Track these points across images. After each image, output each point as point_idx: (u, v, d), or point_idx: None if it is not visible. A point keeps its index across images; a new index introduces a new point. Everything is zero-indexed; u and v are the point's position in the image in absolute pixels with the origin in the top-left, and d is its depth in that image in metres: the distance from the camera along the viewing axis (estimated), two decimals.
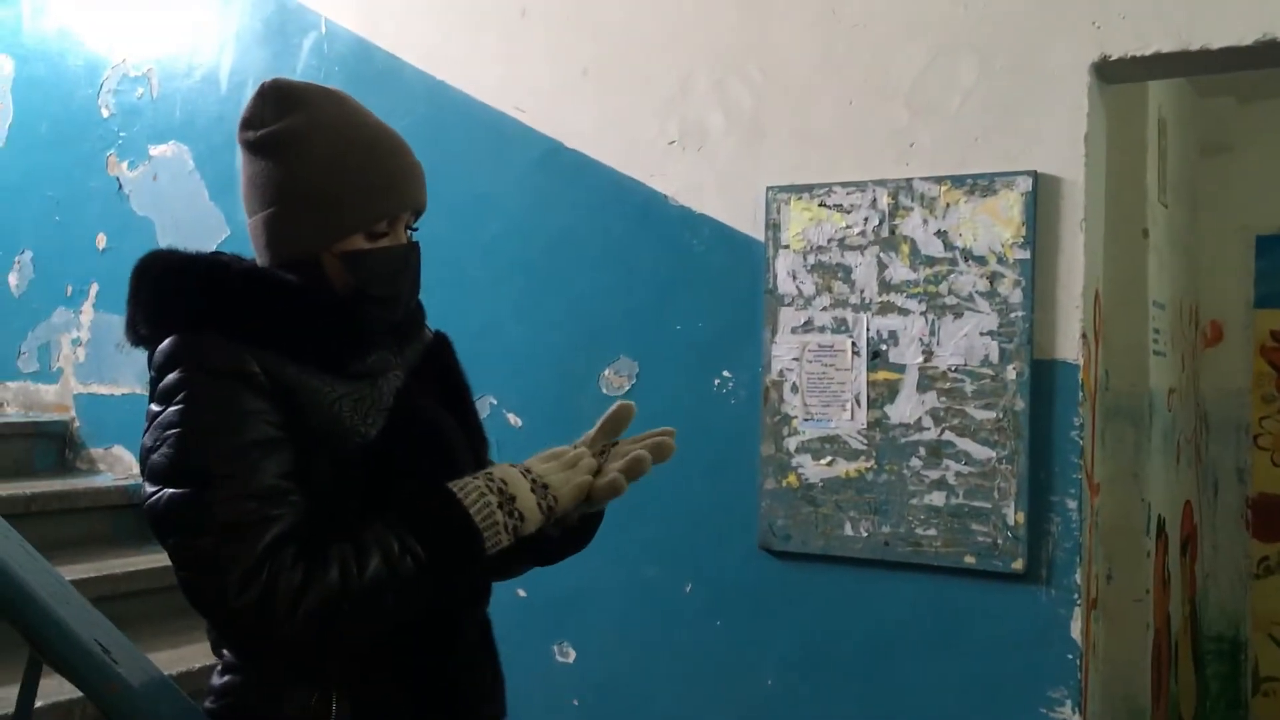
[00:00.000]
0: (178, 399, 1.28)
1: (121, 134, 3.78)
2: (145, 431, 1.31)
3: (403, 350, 1.50)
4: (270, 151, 1.41)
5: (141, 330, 1.38)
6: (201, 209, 3.59)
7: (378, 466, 1.35)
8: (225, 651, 1.40)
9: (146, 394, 1.35)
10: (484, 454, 1.56)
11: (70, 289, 3.82)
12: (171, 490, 1.25)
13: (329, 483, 1.32)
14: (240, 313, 1.33)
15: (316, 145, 1.39)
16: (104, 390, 3.73)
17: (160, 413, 1.29)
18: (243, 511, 1.23)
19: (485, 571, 1.42)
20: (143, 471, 1.30)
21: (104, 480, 3.62)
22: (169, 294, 1.36)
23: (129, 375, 3.67)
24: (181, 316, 1.34)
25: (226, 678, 1.39)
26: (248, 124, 1.44)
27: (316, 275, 1.40)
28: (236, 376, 1.29)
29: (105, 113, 3.81)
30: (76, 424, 3.78)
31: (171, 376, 1.29)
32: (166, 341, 1.32)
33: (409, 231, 1.47)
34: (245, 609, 1.20)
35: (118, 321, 3.68)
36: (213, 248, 1.52)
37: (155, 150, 3.71)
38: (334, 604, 1.23)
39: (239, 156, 1.47)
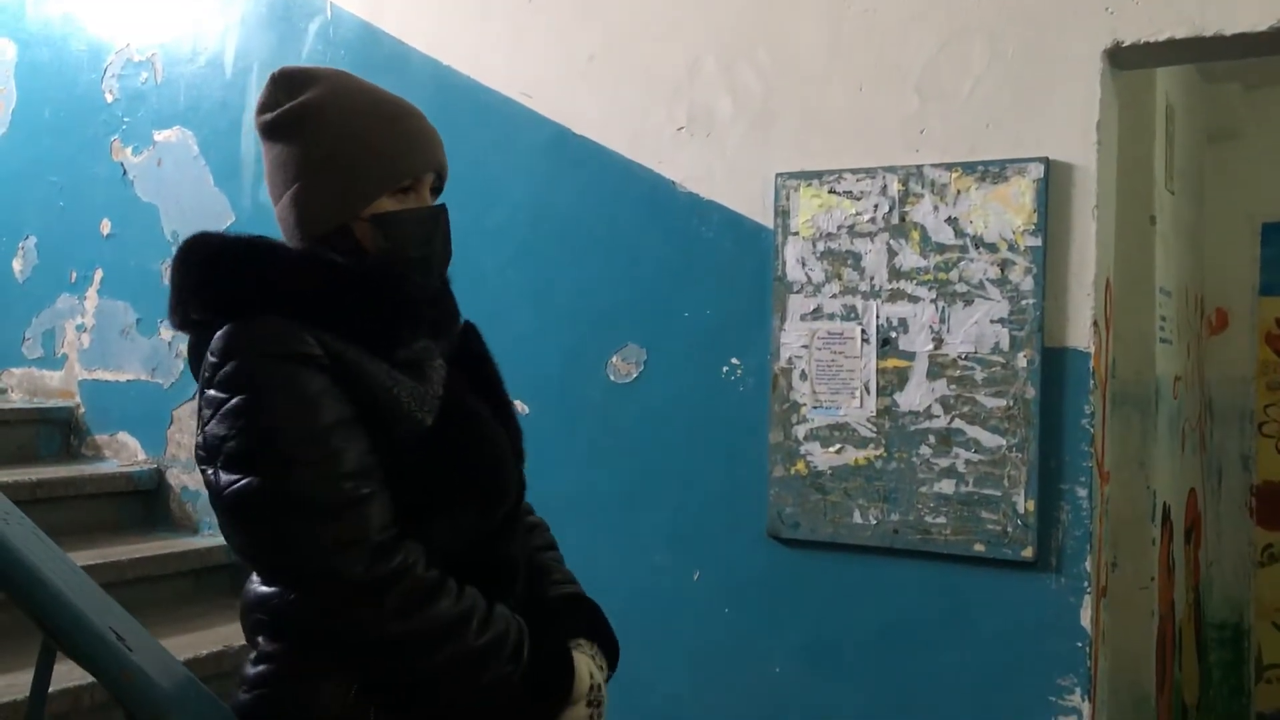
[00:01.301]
0: (245, 386, 1.27)
1: (125, 119, 3.76)
2: (209, 420, 1.29)
3: (438, 344, 1.49)
4: (288, 130, 1.42)
5: (193, 315, 1.37)
6: (206, 195, 3.58)
7: (431, 454, 1.35)
8: (261, 640, 1.38)
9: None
10: (519, 446, 1.55)
11: (74, 275, 3.81)
12: (259, 477, 1.25)
13: (386, 467, 1.33)
14: (296, 294, 1.33)
15: (332, 115, 1.41)
16: (109, 376, 3.71)
17: (226, 400, 1.28)
18: (340, 491, 1.26)
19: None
20: (211, 459, 1.29)
21: (109, 466, 3.61)
22: (224, 277, 1.35)
23: (134, 361, 3.65)
24: (240, 299, 1.33)
25: (261, 667, 1.37)
26: (263, 109, 1.45)
27: (353, 249, 1.40)
28: (300, 359, 1.29)
29: (109, 98, 3.79)
30: (81, 410, 3.77)
31: (235, 363, 1.29)
32: (225, 327, 1.31)
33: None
34: (368, 584, 1.24)
35: (122, 308, 3.68)
36: None
37: (160, 136, 3.69)
38: (443, 632, 1.28)
39: (260, 146, 1.48)
